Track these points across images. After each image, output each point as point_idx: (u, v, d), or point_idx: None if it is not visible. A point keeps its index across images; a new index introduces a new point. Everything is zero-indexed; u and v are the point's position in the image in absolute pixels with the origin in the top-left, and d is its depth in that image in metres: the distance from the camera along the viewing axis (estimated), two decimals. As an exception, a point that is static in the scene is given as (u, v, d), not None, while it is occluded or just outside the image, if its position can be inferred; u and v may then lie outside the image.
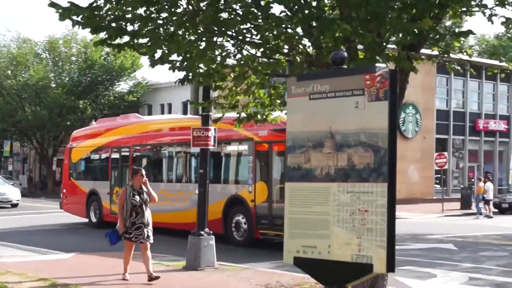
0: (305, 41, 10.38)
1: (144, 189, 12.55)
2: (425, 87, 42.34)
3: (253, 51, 10.98)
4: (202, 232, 14.25)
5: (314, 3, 9.80)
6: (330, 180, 5.79)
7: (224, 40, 11.06)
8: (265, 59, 11.14)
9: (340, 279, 5.76)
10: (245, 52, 10.97)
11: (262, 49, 10.65)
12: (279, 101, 12.08)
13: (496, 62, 32.76)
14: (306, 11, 9.32)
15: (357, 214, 5.59)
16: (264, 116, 12.35)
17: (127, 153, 25.30)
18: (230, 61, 11.57)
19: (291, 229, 6.08)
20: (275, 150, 18.51)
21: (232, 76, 11.50)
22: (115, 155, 26.36)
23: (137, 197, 12.36)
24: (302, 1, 9.58)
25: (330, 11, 10.06)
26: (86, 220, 26.65)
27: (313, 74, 7.60)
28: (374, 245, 5.45)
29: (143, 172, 12.86)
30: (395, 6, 9.12)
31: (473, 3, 10.11)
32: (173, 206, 21.71)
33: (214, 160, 20.22)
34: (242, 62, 10.94)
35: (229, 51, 11.15)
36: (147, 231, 12.46)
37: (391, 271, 5.44)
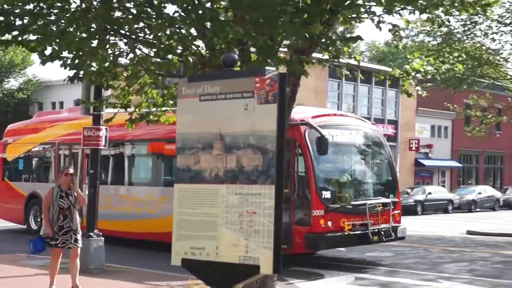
0: (199, 42, 10.35)
1: (74, 190, 11.47)
2: (317, 91, 43.18)
3: (146, 50, 10.85)
4: (91, 234, 13.95)
5: (208, 4, 9.79)
6: (219, 181, 5.77)
7: (116, 38, 10.88)
8: (158, 59, 11.03)
9: (228, 281, 5.75)
10: (138, 52, 10.86)
11: (155, 49, 10.55)
12: (171, 102, 11.98)
13: (385, 68, 33.80)
14: (200, 12, 9.28)
15: (245, 216, 5.58)
16: (157, 117, 12.22)
17: (78, 151, 21.64)
18: (123, 60, 11.39)
19: (179, 231, 6.02)
20: None
21: (125, 75, 11.32)
22: (64, 153, 23.00)
23: (65, 199, 11.27)
24: (196, 1, 9.53)
25: (224, 13, 10.07)
26: (24, 226, 23.33)
27: (204, 76, 7.58)
28: (261, 246, 5.46)
29: (71, 171, 11.73)
30: (288, 11, 9.22)
31: (362, 10, 10.35)
32: (139, 212, 19.21)
33: None
34: (135, 62, 10.81)
35: (121, 50, 11.00)
36: (75, 235, 11.37)
37: (277, 272, 5.48)
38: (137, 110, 12.22)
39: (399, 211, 16.81)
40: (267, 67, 5.99)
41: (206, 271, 5.84)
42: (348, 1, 10.32)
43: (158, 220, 17.62)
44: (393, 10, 10.40)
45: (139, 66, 10.95)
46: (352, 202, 15.50)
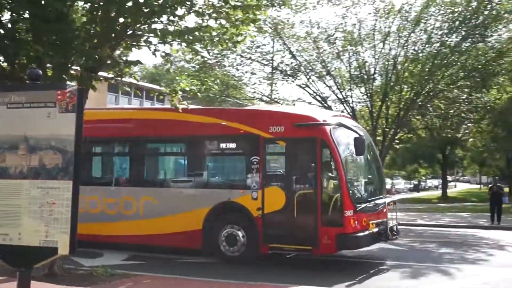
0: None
1: None
2: (98, 103, 41.96)
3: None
4: None
5: (9, 25, 9.24)
6: (23, 177, 5.54)
7: None
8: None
9: (29, 262, 5.54)
10: None
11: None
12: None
13: (156, 86, 34.03)
14: (1, 31, 8.75)
15: (46, 206, 5.43)
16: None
17: None
18: None
19: (-14, 220, 5.64)
20: (294, 150, 12.71)
21: None
22: None
23: None
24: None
25: (25, 34, 9.58)
26: None
27: (11, 87, 7.26)
28: (59, 231, 5.36)
29: None
30: (81, 36, 9.10)
31: (142, 39, 10.49)
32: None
33: (196, 160, 14.06)
34: None
35: None
36: None
37: (73, 252, 5.42)
38: None
39: None
40: (68, 83, 5.86)
41: (10, 254, 5.55)
42: (130, 31, 10.39)
43: None
44: (166, 41, 10.59)
45: None
46: (375, 201, 13.17)
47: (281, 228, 12.20)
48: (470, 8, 24.65)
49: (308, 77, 27.51)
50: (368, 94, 27.03)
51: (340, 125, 12.57)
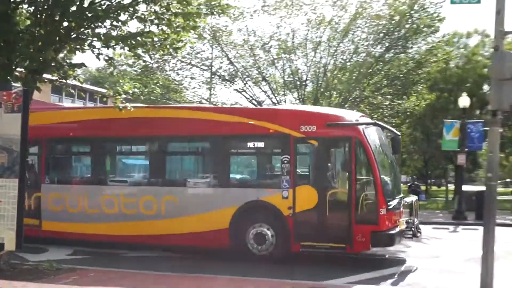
0: None
1: None
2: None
3: None
4: None
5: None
6: (-32, 175, 5.31)
7: None
8: None
9: (-26, 258, 5.31)
10: None
11: None
12: None
13: (99, 89, 33.31)
14: None
15: (-9, 203, 5.22)
16: None
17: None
18: None
19: None
20: (326, 148, 12.08)
21: None
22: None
23: None
24: None
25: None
26: None
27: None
28: (5, 228, 5.18)
29: None
30: (25, 38, 8.82)
31: (85, 43, 10.30)
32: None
33: (224, 158, 12.82)
34: None
35: None
36: None
37: (19, 248, 5.25)
38: None
39: None
40: (14, 84, 5.68)
41: (-46, 250, 5.32)
42: (74, 35, 10.18)
43: None
44: (109, 45, 10.44)
45: None
46: (401, 199, 12.65)
47: (313, 227, 11.65)
48: (393, 22, 25.44)
49: (244, 82, 27.64)
50: (301, 99, 27.39)
51: (374, 124, 12.33)
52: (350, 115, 12.49)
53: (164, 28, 10.81)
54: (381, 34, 25.78)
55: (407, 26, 25.45)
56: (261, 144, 12.59)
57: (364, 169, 11.68)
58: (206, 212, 12.30)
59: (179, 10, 10.83)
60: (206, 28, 24.49)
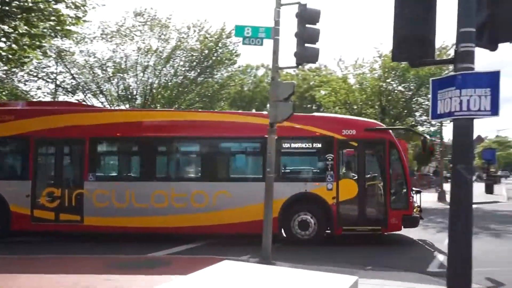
0: None
1: None
2: None
3: None
4: None
5: None
6: None
7: None
8: None
9: None
10: None
11: None
12: None
13: None
14: None
15: None
16: None
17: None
18: None
19: None
20: (364, 149, 11.49)
21: None
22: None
23: None
24: None
25: None
26: None
27: None
28: None
29: None
30: None
31: None
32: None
33: (276, 156, 10.73)
34: None
35: None
36: None
37: None
38: None
39: None
40: None
41: None
42: None
43: None
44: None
45: None
46: (413, 189, 12.09)
47: (354, 213, 11.33)
48: (203, 54, 26.39)
49: (85, 94, 26.26)
50: (131, 110, 26.52)
51: (406, 129, 12.54)
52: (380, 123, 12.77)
53: (13, 45, 9.66)
54: (194, 63, 26.43)
55: (213, 58, 26.64)
56: (310, 145, 11.83)
57: (396, 165, 11.59)
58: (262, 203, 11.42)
59: (25, 32, 9.76)
60: (52, 47, 22.36)
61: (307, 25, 8.56)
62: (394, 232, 11.68)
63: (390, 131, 11.93)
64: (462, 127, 4.19)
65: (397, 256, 9.95)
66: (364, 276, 7.36)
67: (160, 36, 25.96)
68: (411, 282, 7.44)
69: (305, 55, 8.56)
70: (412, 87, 24.57)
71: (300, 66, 9.36)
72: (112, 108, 26.27)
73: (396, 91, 24.61)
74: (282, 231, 11.47)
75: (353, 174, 11.70)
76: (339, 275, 2.89)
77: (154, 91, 26.90)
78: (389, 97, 24.34)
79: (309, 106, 39.59)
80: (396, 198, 11.46)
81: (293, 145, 11.86)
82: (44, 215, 11.30)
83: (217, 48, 26.43)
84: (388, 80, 24.50)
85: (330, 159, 11.53)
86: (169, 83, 26.93)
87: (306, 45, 8.56)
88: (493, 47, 4.37)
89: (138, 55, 26.02)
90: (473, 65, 4.17)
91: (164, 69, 26.46)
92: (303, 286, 2.73)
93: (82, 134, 11.40)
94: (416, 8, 4.42)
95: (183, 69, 26.71)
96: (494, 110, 3.93)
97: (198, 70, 26.63)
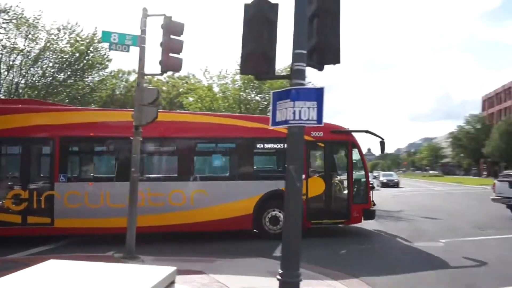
0: None
1: None
2: None
3: None
4: None
5: None
6: None
7: None
8: None
9: None
10: None
11: None
12: None
13: None
14: None
15: None
16: None
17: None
18: None
19: None
20: (330, 149, 11.36)
21: None
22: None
23: None
24: None
25: None
26: None
27: None
28: None
29: None
30: None
31: None
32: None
33: (248, 157, 10.92)
34: None
35: None
36: None
37: None
38: None
39: None
40: None
41: None
42: None
43: None
44: None
45: None
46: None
47: (321, 208, 11.20)
48: (74, 57, 24.37)
49: None
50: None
51: (366, 132, 11.78)
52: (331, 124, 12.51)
53: None
54: (64, 65, 24.28)
55: (85, 61, 24.56)
56: (281, 145, 11.23)
57: (358, 164, 11.73)
58: (237, 201, 10.91)
59: None
60: None
61: (171, 36, 8.42)
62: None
63: (352, 133, 11.98)
64: (295, 133, 4.42)
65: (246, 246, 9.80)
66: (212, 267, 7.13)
67: (27, 35, 23.41)
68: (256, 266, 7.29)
69: (169, 64, 8.37)
70: (267, 97, 25.91)
71: (170, 74, 9.19)
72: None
73: (254, 101, 25.81)
74: (258, 227, 10.92)
75: (321, 172, 11.68)
76: (160, 267, 2.80)
77: (21, 90, 23.92)
78: (248, 106, 25.33)
79: (178, 111, 39.11)
80: (357, 194, 11.59)
81: (266, 145, 11.57)
82: (9, 218, 9.79)
83: (89, 52, 24.84)
84: (247, 90, 25.56)
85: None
86: (38, 84, 24.70)
87: (171, 54, 8.46)
88: (320, 67, 4.75)
89: (2, 54, 23.17)
90: (304, 81, 4.46)
91: (31, 69, 24.21)
92: (114, 280, 2.62)
93: (51, 134, 10.11)
94: (260, 29, 4.60)
95: (52, 70, 24.70)
96: (319, 119, 4.21)
97: (69, 73, 24.99)
